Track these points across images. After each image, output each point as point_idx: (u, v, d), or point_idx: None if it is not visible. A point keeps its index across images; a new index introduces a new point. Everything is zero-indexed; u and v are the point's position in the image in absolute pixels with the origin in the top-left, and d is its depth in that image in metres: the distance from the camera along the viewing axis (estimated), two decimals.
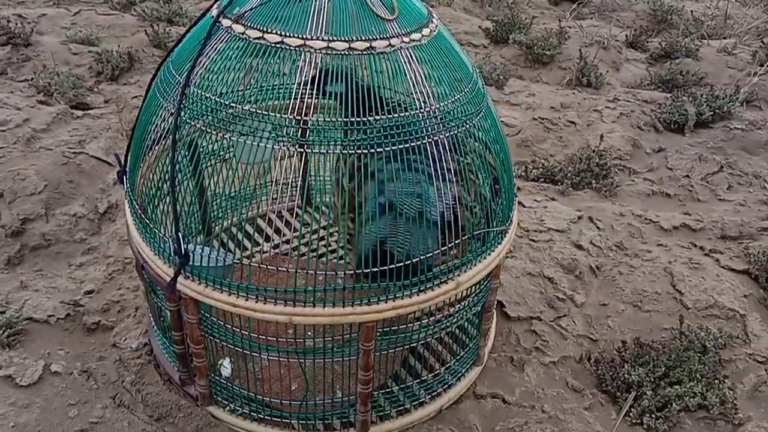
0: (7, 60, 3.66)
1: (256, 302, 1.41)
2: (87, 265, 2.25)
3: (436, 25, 1.56)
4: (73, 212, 2.44)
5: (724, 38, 4.85)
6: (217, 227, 2.17)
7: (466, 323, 1.84)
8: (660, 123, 3.50)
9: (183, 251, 1.38)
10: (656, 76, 4.08)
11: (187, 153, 1.69)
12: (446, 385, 1.79)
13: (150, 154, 1.60)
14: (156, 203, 1.62)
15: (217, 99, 1.40)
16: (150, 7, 4.35)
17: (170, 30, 3.97)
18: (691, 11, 5.29)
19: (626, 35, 4.73)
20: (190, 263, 1.42)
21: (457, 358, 1.81)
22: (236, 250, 2.03)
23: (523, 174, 3.01)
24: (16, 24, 3.82)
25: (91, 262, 2.25)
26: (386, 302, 1.45)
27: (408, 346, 1.73)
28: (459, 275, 1.52)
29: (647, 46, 4.66)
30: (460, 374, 1.82)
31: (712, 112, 3.46)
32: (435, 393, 1.77)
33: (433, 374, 1.78)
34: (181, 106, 1.39)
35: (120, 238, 2.32)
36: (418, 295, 1.47)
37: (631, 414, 1.85)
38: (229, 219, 2.19)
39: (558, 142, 3.28)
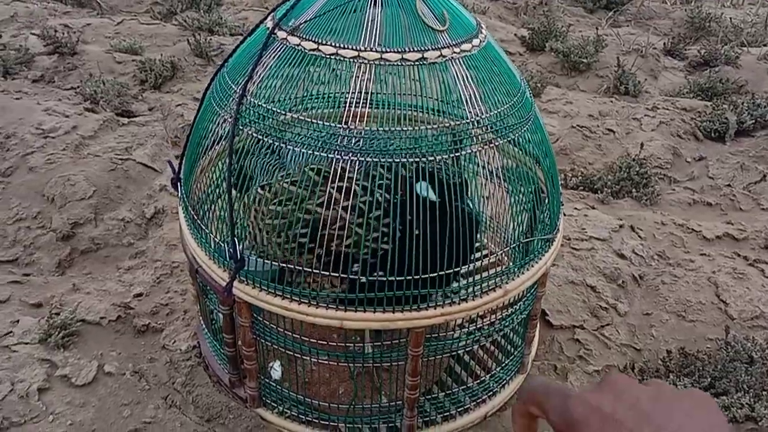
0: (54, 68, 3.77)
1: (309, 306, 1.44)
2: (135, 268, 2.30)
3: (485, 36, 1.58)
4: (121, 217, 2.50)
5: (765, 45, 4.79)
6: None
7: (510, 331, 1.85)
8: (700, 131, 3.47)
9: (239, 256, 1.42)
10: (695, 84, 4.05)
11: (236, 160, 1.73)
12: (491, 392, 1.80)
13: (203, 160, 1.64)
14: (206, 209, 1.67)
15: (271, 108, 1.44)
16: (191, 17, 4.45)
17: (211, 39, 4.05)
18: (730, 18, 5.23)
19: (664, 43, 4.69)
20: (245, 268, 1.45)
21: (502, 365, 1.82)
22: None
23: (561, 182, 3.00)
24: (63, 33, 3.93)
25: (139, 266, 2.31)
26: (435, 308, 1.46)
27: (453, 353, 1.74)
28: (507, 283, 1.54)
29: (685, 53, 4.62)
30: (504, 382, 1.83)
31: (753, 121, 3.43)
32: (480, 400, 1.78)
33: (477, 381, 1.79)
34: (238, 115, 1.43)
35: (167, 243, 2.38)
36: (466, 302, 1.49)
37: None
38: None
39: (597, 150, 3.27)
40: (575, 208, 2.73)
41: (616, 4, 5.60)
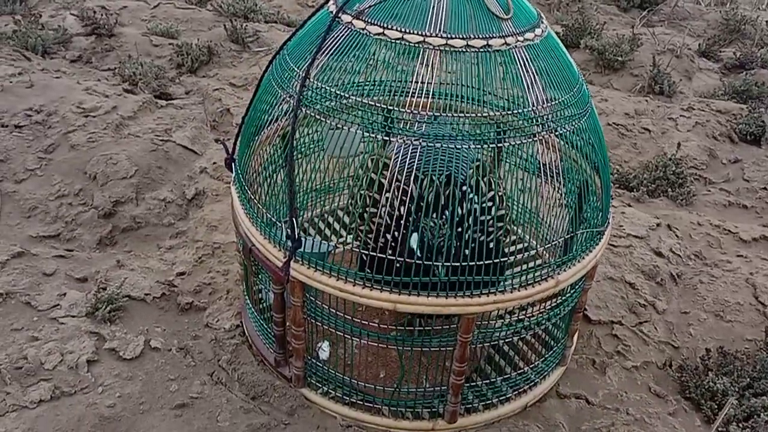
0: (92, 49, 3.81)
1: (363, 288, 1.46)
2: (176, 248, 2.33)
3: (546, 26, 1.58)
4: (162, 197, 2.53)
5: None
6: (301, 217, 2.22)
7: (552, 325, 1.85)
8: (736, 134, 3.45)
9: (296, 236, 1.43)
10: (730, 86, 4.01)
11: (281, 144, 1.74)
12: (531, 383, 1.81)
13: (260, 139, 1.66)
14: (256, 189, 1.68)
15: (335, 90, 1.45)
16: (226, 3, 4.46)
17: (246, 26, 4.06)
18: (766, 21, 5.18)
19: (699, 44, 4.66)
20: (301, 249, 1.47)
21: (544, 357, 1.82)
22: (332, 237, 2.08)
23: None
24: (101, 15, 3.96)
25: (180, 246, 2.33)
26: (488, 296, 1.47)
27: (497, 344, 1.75)
28: (559, 274, 1.54)
29: (720, 55, 4.58)
30: (545, 373, 1.84)
31: None
32: (520, 390, 1.79)
33: (518, 372, 1.80)
34: (302, 96, 1.44)
35: (208, 224, 2.40)
36: (518, 290, 1.50)
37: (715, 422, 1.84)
38: (315, 209, 2.24)
39: (632, 149, 3.26)
40: (612, 206, 2.72)
41: (650, 4, 5.56)
